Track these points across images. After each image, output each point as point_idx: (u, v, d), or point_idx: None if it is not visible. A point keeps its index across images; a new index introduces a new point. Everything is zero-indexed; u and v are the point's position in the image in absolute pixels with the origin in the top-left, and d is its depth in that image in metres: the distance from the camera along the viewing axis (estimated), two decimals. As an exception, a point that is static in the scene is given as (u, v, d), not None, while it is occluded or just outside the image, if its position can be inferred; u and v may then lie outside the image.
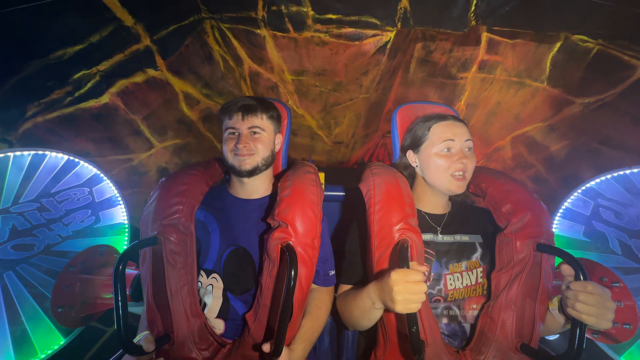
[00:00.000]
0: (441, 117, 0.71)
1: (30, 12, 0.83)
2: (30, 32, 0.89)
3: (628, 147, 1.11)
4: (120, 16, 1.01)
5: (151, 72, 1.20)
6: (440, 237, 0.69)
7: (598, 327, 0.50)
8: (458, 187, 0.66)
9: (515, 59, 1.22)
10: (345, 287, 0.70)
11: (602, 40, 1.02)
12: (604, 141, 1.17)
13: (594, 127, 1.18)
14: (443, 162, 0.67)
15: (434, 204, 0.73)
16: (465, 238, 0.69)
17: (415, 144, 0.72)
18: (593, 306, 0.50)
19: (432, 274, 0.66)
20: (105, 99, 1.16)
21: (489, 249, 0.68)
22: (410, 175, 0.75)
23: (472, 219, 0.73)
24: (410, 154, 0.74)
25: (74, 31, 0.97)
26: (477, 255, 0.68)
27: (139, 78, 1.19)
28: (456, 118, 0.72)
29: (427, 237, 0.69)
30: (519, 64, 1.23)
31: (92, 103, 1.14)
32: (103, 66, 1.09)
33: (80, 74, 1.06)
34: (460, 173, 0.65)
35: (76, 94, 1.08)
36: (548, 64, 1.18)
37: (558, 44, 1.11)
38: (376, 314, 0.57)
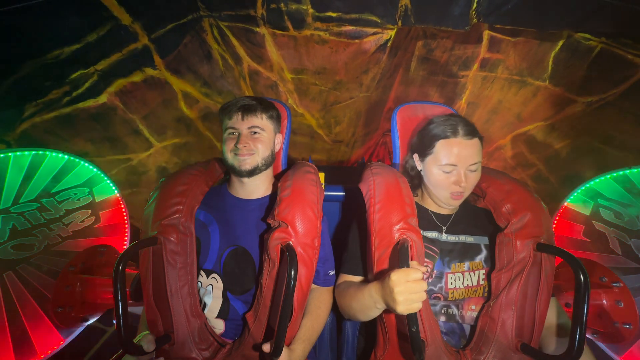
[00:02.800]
0: (453, 132, 0.64)
1: (25, 11, 0.82)
2: (26, 32, 0.88)
3: (630, 147, 1.10)
4: (117, 15, 1.00)
5: (149, 71, 1.19)
6: (444, 236, 0.69)
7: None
8: (455, 203, 0.67)
9: (517, 57, 1.21)
10: (345, 277, 0.69)
11: (605, 39, 1.01)
12: (606, 141, 1.17)
13: (595, 126, 1.18)
14: (443, 180, 0.66)
15: (440, 205, 0.72)
16: (470, 239, 0.69)
17: (421, 152, 0.71)
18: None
19: (435, 271, 0.66)
20: (103, 98, 1.15)
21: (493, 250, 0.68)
22: (416, 175, 0.75)
23: (479, 221, 0.73)
24: (416, 158, 0.73)
25: (70, 30, 0.96)
26: (482, 257, 0.68)
27: (137, 77, 1.19)
28: (469, 133, 0.64)
29: (431, 234, 0.69)
30: (521, 62, 1.22)
31: (90, 103, 1.13)
32: (101, 65, 1.08)
33: (78, 73, 1.05)
34: (458, 193, 0.66)
35: (74, 94, 1.08)
36: (550, 63, 1.17)
37: (560, 42, 1.10)
38: (376, 312, 0.58)
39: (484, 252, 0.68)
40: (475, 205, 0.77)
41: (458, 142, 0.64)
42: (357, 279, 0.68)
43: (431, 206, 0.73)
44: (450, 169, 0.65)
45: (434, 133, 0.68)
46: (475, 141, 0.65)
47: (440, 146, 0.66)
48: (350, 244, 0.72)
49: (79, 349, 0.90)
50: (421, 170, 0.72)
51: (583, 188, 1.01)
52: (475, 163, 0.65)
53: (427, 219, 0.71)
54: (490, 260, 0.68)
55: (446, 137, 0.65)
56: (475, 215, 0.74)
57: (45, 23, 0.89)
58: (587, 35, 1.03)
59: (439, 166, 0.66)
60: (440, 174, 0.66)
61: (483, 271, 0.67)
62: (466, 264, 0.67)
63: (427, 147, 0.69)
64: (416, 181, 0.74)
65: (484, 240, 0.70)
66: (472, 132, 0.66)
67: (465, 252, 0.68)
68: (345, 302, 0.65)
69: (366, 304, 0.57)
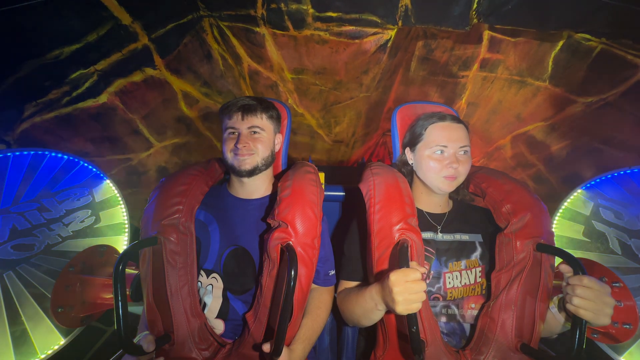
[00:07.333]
0: (440, 118, 0.70)
1: (25, 11, 0.83)
2: (26, 32, 0.88)
3: (630, 147, 1.10)
4: (117, 15, 1.00)
5: (149, 71, 1.19)
6: (440, 236, 0.69)
7: (596, 322, 0.49)
8: (449, 186, 0.67)
9: (517, 58, 1.21)
10: (346, 284, 0.70)
11: (605, 39, 1.01)
12: (606, 141, 1.17)
13: (595, 126, 1.18)
14: (435, 165, 0.67)
15: (433, 203, 0.73)
16: (465, 237, 0.70)
17: (412, 142, 0.73)
18: (590, 300, 0.49)
19: (432, 272, 0.66)
20: (103, 98, 1.15)
21: (488, 248, 0.69)
22: (409, 173, 0.75)
23: (473, 219, 0.73)
24: (407, 152, 0.74)
25: (70, 30, 0.96)
26: (477, 254, 0.68)
27: (137, 77, 1.19)
28: (455, 119, 0.70)
29: (427, 235, 0.69)
30: (521, 63, 1.22)
31: (90, 103, 1.13)
32: (101, 65, 1.08)
33: (78, 73, 1.05)
34: (451, 175, 0.66)
35: (74, 94, 1.08)
36: (550, 63, 1.17)
37: (561, 43, 1.10)
38: (378, 314, 0.58)
39: (479, 250, 0.69)
40: (468, 204, 0.78)
41: (447, 125, 0.69)
42: (357, 283, 0.68)
43: (425, 206, 0.73)
44: (441, 150, 0.67)
45: (423, 122, 0.71)
46: (462, 126, 0.69)
47: (429, 131, 0.69)
48: (347, 248, 0.72)
49: (79, 349, 0.90)
50: (412, 163, 0.73)
51: (583, 188, 1.01)
52: (464, 146, 0.67)
53: (421, 220, 0.71)
54: (486, 258, 0.68)
55: (435, 122, 0.70)
56: (468, 213, 0.74)
57: (45, 23, 0.89)
58: (587, 36, 1.03)
59: (430, 149, 0.68)
60: (432, 157, 0.68)
61: (479, 269, 0.67)
62: (463, 262, 0.67)
63: (417, 136, 0.71)
64: (409, 178, 0.74)
65: (477, 238, 0.70)
66: (458, 119, 0.71)
67: (461, 251, 0.68)
68: (347, 309, 0.65)
69: (367, 306, 0.57)
